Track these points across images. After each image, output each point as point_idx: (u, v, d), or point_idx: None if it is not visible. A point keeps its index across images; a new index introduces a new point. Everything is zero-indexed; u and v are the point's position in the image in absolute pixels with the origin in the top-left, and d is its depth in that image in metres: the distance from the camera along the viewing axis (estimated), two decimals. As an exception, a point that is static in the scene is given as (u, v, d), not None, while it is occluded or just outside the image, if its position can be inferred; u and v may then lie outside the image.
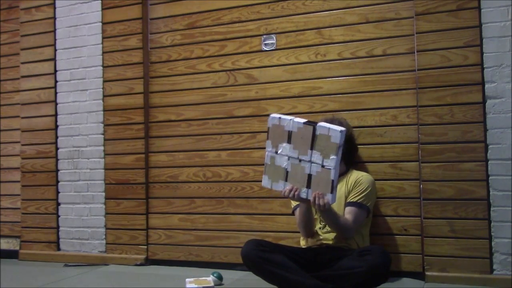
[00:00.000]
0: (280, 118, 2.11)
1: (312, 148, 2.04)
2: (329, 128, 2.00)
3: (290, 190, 2.09)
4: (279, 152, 2.11)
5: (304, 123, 2.06)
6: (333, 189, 2.01)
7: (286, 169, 2.11)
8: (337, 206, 2.36)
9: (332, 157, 1.99)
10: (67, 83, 3.32)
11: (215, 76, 2.99)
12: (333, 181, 2.01)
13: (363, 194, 2.33)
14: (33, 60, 3.41)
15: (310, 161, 2.06)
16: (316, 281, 2.09)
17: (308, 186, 2.06)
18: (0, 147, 3.58)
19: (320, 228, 2.38)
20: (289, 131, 2.09)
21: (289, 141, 2.09)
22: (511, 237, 2.32)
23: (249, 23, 2.92)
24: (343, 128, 2.00)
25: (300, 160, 2.08)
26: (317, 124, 2.03)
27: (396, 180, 2.56)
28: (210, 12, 3.01)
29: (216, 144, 2.97)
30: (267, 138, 2.14)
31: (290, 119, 2.09)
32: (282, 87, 2.83)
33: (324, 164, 2.02)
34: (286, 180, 2.12)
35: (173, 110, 3.07)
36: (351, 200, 2.33)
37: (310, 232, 2.39)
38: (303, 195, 2.08)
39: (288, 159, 2.10)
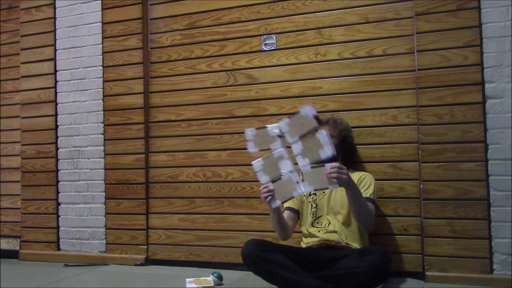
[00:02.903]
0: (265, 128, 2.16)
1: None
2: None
3: (264, 190, 2.13)
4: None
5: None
6: (330, 145, 2.03)
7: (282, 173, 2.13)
8: (340, 207, 2.36)
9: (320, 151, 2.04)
10: (67, 83, 3.32)
11: (215, 76, 2.99)
12: (324, 136, 2.04)
13: (372, 190, 2.35)
14: (33, 60, 3.41)
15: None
16: (316, 281, 2.09)
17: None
18: (0, 147, 3.59)
19: (318, 231, 2.38)
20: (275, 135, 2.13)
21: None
22: (511, 237, 2.33)
23: (249, 23, 2.92)
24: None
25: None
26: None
27: (396, 180, 2.56)
28: (210, 12, 3.01)
29: (216, 144, 2.97)
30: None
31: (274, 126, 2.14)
32: (282, 87, 2.83)
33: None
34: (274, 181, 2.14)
35: (173, 110, 3.07)
36: (364, 195, 2.33)
37: (287, 233, 2.41)
38: (300, 191, 2.11)
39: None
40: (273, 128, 2.13)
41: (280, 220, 2.34)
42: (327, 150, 2.03)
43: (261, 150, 2.16)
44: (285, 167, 2.12)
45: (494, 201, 2.36)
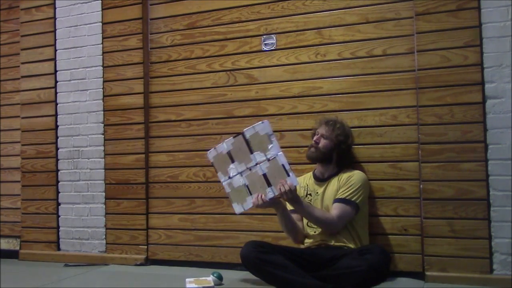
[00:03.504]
0: (215, 148, 2.31)
1: (252, 152, 2.22)
2: (253, 127, 2.21)
3: (257, 198, 2.19)
4: (231, 175, 2.28)
5: (233, 137, 2.26)
6: (288, 172, 2.17)
7: (245, 184, 2.26)
8: (330, 204, 2.37)
9: (270, 146, 2.19)
10: (67, 83, 3.32)
11: (215, 76, 2.99)
12: (283, 165, 2.18)
13: (351, 190, 2.35)
14: (33, 60, 3.41)
15: (257, 163, 2.22)
16: (315, 281, 2.09)
17: (269, 184, 2.20)
18: (0, 147, 3.59)
19: (314, 231, 2.39)
20: (227, 152, 2.28)
21: (232, 161, 2.27)
22: (511, 237, 2.32)
23: (249, 23, 2.92)
24: (264, 120, 2.20)
25: (249, 169, 2.25)
26: (243, 131, 2.22)
27: (396, 180, 2.56)
28: (210, 12, 3.01)
29: (216, 144, 2.96)
30: (216, 172, 2.34)
31: (222, 142, 2.29)
32: (282, 87, 2.83)
33: (268, 156, 2.20)
34: (251, 194, 2.26)
35: (173, 110, 3.07)
36: (338, 196, 2.35)
37: (297, 236, 2.42)
38: (270, 195, 2.20)
39: (241, 175, 2.26)
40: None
41: (288, 224, 2.36)
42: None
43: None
44: (237, 180, 2.29)
45: (494, 201, 2.36)
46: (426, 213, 2.47)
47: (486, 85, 2.39)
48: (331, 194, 2.39)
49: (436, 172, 2.45)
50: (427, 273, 2.44)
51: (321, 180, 2.48)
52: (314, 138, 2.47)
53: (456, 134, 2.43)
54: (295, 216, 2.41)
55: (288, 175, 2.16)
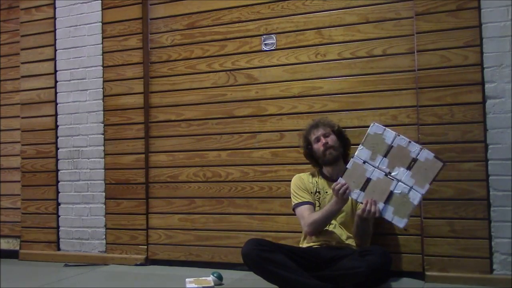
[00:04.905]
0: (385, 128, 2.15)
1: (409, 169, 2.10)
2: (433, 157, 2.08)
3: (342, 186, 2.14)
4: (368, 162, 2.14)
5: (409, 141, 2.12)
6: (408, 216, 2.10)
7: (370, 178, 2.14)
8: (345, 207, 2.35)
9: (426, 185, 2.07)
10: (67, 83, 3.32)
11: (215, 76, 2.98)
12: (414, 206, 2.10)
13: None
14: (33, 60, 3.41)
15: (399, 180, 2.11)
16: (316, 281, 2.09)
17: (386, 202, 2.11)
18: (0, 147, 3.59)
19: (319, 232, 2.38)
20: (389, 144, 2.13)
21: (386, 155, 2.13)
22: (511, 237, 2.32)
23: (249, 23, 2.92)
24: (443, 162, 2.08)
25: (387, 175, 2.13)
26: (441, 160, 2.09)
27: (396, 180, 2.55)
28: (210, 12, 3.01)
29: (216, 144, 2.97)
30: (362, 144, 2.16)
31: (395, 133, 2.14)
32: (282, 87, 2.83)
33: (415, 188, 2.08)
34: (363, 190, 2.15)
35: (173, 110, 3.07)
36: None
37: (319, 230, 2.40)
38: (354, 196, 2.15)
39: (374, 171, 2.14)
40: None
41: (331, 220, 2.34)
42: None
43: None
44: (367, 170, 2.15)
45: (494, 201, 2.36)
46: (426, 213, 2.47)
47: (486, 85, 2.39)
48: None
49: (436, 172, 2.45)
50: (427, 273, 2.44)
51: (332, 180, 2.43)
52: (322, 141, 2.40)
53: (456, 134, 2.43)
54: (312, 208, 2.39)
55: (405, 218, 2.10)
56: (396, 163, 2.11)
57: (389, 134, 2.14)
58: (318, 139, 2.43)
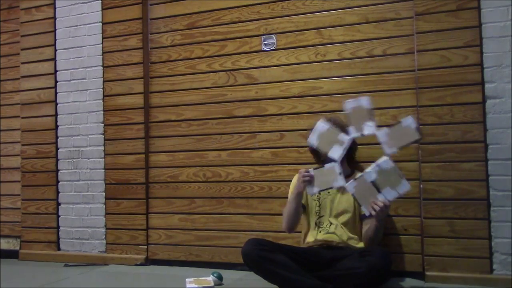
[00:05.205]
0: (356, 100, 2.17)
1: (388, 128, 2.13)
2: (415, 127, 2.10)
3: (308, 175, 2.19)
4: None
5: (415, 126, 2.10)
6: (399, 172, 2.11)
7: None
8: (343, 210, 2.35)
9: (394, 148, 2.13)
10: (67, 83, 3.32)
11: (215, 76, 2.99)
12: (394, 166, 2.11)
13: None
14: (33, 60, 3.41)
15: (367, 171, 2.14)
16: (316, 281, 2.09)
17: (380, 190, 2.10)
18: (0, 147, 3.59)
19: (319, 231, 2.38)
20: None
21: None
22: (511, 237, 2.32)
23: (249, 23, 2.92)
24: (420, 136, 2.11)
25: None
26: (420, 133, 2.11)
27: (396, 180, 2.55)
28: (210, 12, 3.01)
29: (216, 144, 2.97)
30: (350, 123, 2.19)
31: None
32: (282, 87, 2.83)
33: (384, 146, 2.13)
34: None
35: (173, 110, 3.07)
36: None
37: (296, 225, 2.40)
38: (310, 192, 2.22)
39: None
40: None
41: (296, 209, 2.34)
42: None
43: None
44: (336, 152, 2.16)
45: (494, 201, 2.36)
46: (426, 213, 2.47)
47: (486, 85, 2.39)
48: (345, 199, 2.36)
49: (436, 172, 2.45)
50: (427, 273, 2.44)
51: None
52: None
53: (456, 134, 2.43)
54: (295, 207, 2.38)
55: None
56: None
57: (362, 101, 2.17)
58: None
